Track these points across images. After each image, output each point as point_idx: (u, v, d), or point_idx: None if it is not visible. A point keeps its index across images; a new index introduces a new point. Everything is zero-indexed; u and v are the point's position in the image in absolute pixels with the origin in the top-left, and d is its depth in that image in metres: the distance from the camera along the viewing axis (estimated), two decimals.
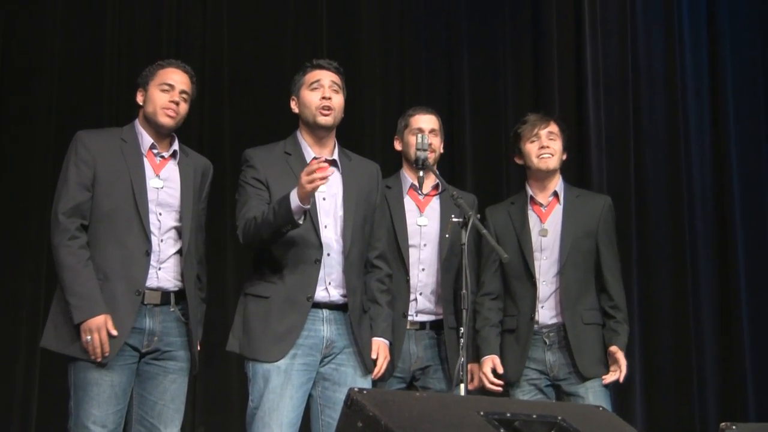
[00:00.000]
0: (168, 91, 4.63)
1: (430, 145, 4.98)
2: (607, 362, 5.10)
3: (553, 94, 7.18)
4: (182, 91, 4.66)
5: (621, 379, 5.07)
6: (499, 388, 5.09)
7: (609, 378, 5.04)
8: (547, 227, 5.19)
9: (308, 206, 4.38)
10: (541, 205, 5.24)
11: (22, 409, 6.30)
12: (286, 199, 4.37)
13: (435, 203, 5.22)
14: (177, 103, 4.62)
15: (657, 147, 7.30)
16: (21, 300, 6.40)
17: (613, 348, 5.04)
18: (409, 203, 5.22)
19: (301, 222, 4.41)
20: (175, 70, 4.70)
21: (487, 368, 5.08)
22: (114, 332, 4.32)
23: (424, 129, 5.20)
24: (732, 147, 7.33)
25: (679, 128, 7.27)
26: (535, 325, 5.09)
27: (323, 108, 4.67)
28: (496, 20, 7.41)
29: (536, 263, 5.13)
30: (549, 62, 7.27)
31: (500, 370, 5.08)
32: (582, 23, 7.28)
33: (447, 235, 5.03)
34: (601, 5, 7.35)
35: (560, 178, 5.31)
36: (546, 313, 5.10)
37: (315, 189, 4.33)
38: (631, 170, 7.16)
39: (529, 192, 5.28)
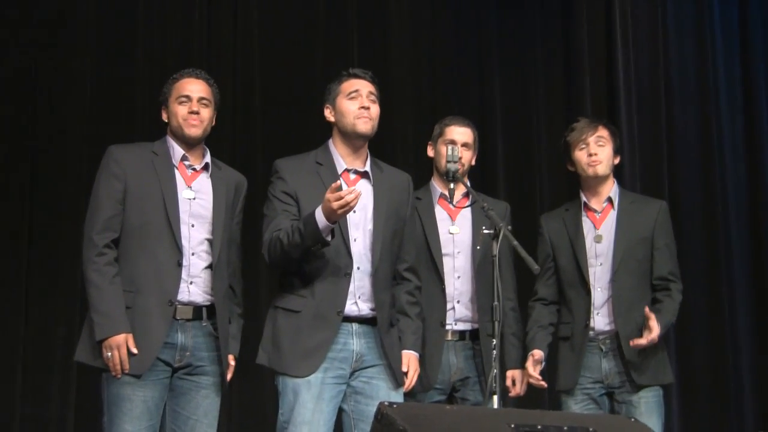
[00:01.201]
0: (186, 103, 4.63)
1: (460, 158, 4.95)
2: (662, 371, 5.09)
3: (585, 103, 7.16)
4: (200, 99, 4.66)
5: (647, 341, 4.92)
6: (542, 383, 5.08)
7: (638, 341, 4.93)
8: (601, 233, 5.16)
9: (335, 225, 4.38)
10: (595, 211, 5.22)
11: (59, 424, 6.32)
12: (312, 218, 4.35)
13: (466, 212, 5.20)
14: (197, 112, 4.62)
15: (690, 155, 7.30)
16: (56, 317, 6.41)
17: (649, 313, 4.95)
18: (440, 212, 5.20)
19: (329, 239, 4.40)
20: (189, 79, 4.71)
21: (529, 362, 5.08)
22: (134, 350, 4.33)
23: (457, 141, 5.18)
24: (765, 147, 7.31)
25: (712, 136, 7.26)
26: (591, 332, 5.06)
27: (362, 116, 4.66)
28: (527, 30, 7.41)
29: (591, 270, 5.12)
30: (580, 71, 7.27)
31: (538, 357, 5.07)
32: (613, 32, 7.25)
33: (478, 247, 5.02)
34: (632, 15, 7.32)
35: (615, 183, 5.29)
36: (601, 320, 5.07)
37: (346, 213, 4.33)
38: (665, 180, 7.15)
39: (583, 198, 5.25)
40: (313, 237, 4.37)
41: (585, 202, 5.24)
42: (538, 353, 5.10)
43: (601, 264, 5.12)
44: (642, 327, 5.00)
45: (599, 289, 5.09)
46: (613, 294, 5.06)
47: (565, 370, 5.12)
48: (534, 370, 5.08)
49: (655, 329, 4.92)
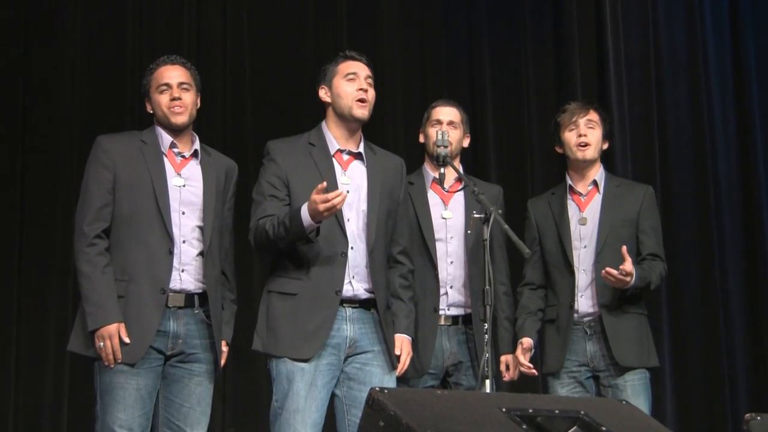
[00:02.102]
0: (166, 91, 4.60)
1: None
2: (647, 354, 5.09)
3: (575, 82, 7.17)
4: (180, 84, 4.62)
5: (617, 274, 4.84)
6: (533, 371, 5.10)
7: (610, 270, 4.86)
8: (586, 216, 5.16)
9: (320, 224, 4.39)
10: (580, 194, 5.23)
11: (52, 414, 6.33)
12: (298, 215, 4.36)
13: (459, 196, 5.21)
14: (179, 98, 4.59)
15: (681, 136, 7.29)
16: (49, 306, 6.43)
17: (625, 253, 4.88)
18: (433, 197, 5.20)
19: (313, 237, 4.41)
20: (166, 67, 4.67)
21: (518, 351, 5.11)
22: (126, 340, 4.33)
23: (443, 120, 5.20)
24: (757, 131, 7.31)
25: (703, 117, 7.25)
26: (575, 315, 5.07)
27: (359, 100, 4.66)
28: (517, 12, 7.39)
29: (575, 252, 5.13)
30: (570, 51, 7.28)
31: (527, 345, 5.10)
32: (603, 13, 7.25)
33: (469, 231, 5.03)
34: None
35: (601, 167, 5.29)
36: (585, 302, 5.08)
37: (332, 214, 4.34)
38: (656, 161, 7.14)
39: (569, 181, 5.26)
40: (298, 233, 4.39)
41: (570, 185, 5.25)
42: (527, 341, 5.13)
43: (585, 246, 5.13)
44: (626, 310, 5.05)
45: (583, 272, 5.10)
46: (597, 276, 5.05)
47: (551, 352, 5.13)
48: (524, 358, 5.10)
49: (628, 264, 4.87)
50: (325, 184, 4.32)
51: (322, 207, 4.25)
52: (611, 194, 5.21)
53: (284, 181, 4.61)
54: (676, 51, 7.39)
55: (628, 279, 4.89)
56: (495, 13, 7.37)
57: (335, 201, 4.25)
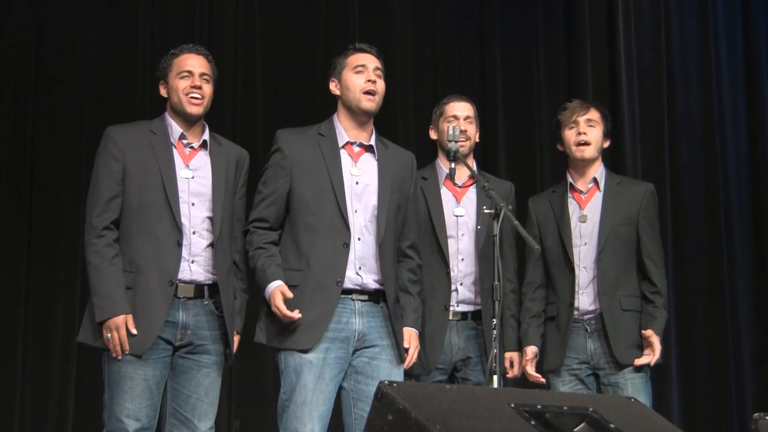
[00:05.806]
0: (188, 77, 4.61)
1: (464, 132, 5.04)
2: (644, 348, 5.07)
3: (586, 83, 7.15)
4: (202, 74, 4.64)
5: (652, 363, 5.01)
6: (541, 379, 5.11)
7: (640, 361, 4.99)
8: (586, 213, 5.16)
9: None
10: (580, 192, 5.22)
11: (59, 403, 6.34)
12: (265, 283, 4.52)
13: (471, 193, 5.20)
14: (200, 87, 4.60)
15: (692, 136, 7.29)
16: (57, 296, 6.42)
17: (648, 332, 5.00)
18: (446, 194, 5.20)
19: None
20: (189, 55, 4.68)
21: (525, 363, 5.12)
22: (134, 331, 4.33)
23: (459, 116, 5.21)
24: (767, 132, 7.28)
25: (713, 117, 7.26)
26: (576, 312, 5.07)
27: (367, 92, 4.67)
28: (529, 9, 7.38)
29: (575, 250, 5.12)
30: (582, 51, 7.26)
31: (531, 355, 5.11)
32: (615, 11, 7.24)
33: (479, 227, 5.02)
34: None
35: (601, 164, 5.29)
36: (586, 299, 5.08)
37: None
38: (666, 160, 7.14)
39: (569, 179, 5.27)
40: (261, 291, 4.55)
41: (571, 183, 5.26)
42: (531, 351, 5.13)
43: (585, 244, 5.13)
44: (626, 308, 5.06)
45: (584, 269, 5.11)
46: (598, 274, 5.07)
47: (551, 350, 5.14)
48: (531, 367, 5.12)
49: (657, 349, 5.00)
50: (292, 295, 4.46)
51: (275, 311, 4.43)
52: (612, 192, 5.21)
53: (287, 170, 4.64)
54: (688, 52, 7.38)
55: (658, 353, 5.03)
56: (507, 11, 7.36)
57: (285, 320, 4.43)
